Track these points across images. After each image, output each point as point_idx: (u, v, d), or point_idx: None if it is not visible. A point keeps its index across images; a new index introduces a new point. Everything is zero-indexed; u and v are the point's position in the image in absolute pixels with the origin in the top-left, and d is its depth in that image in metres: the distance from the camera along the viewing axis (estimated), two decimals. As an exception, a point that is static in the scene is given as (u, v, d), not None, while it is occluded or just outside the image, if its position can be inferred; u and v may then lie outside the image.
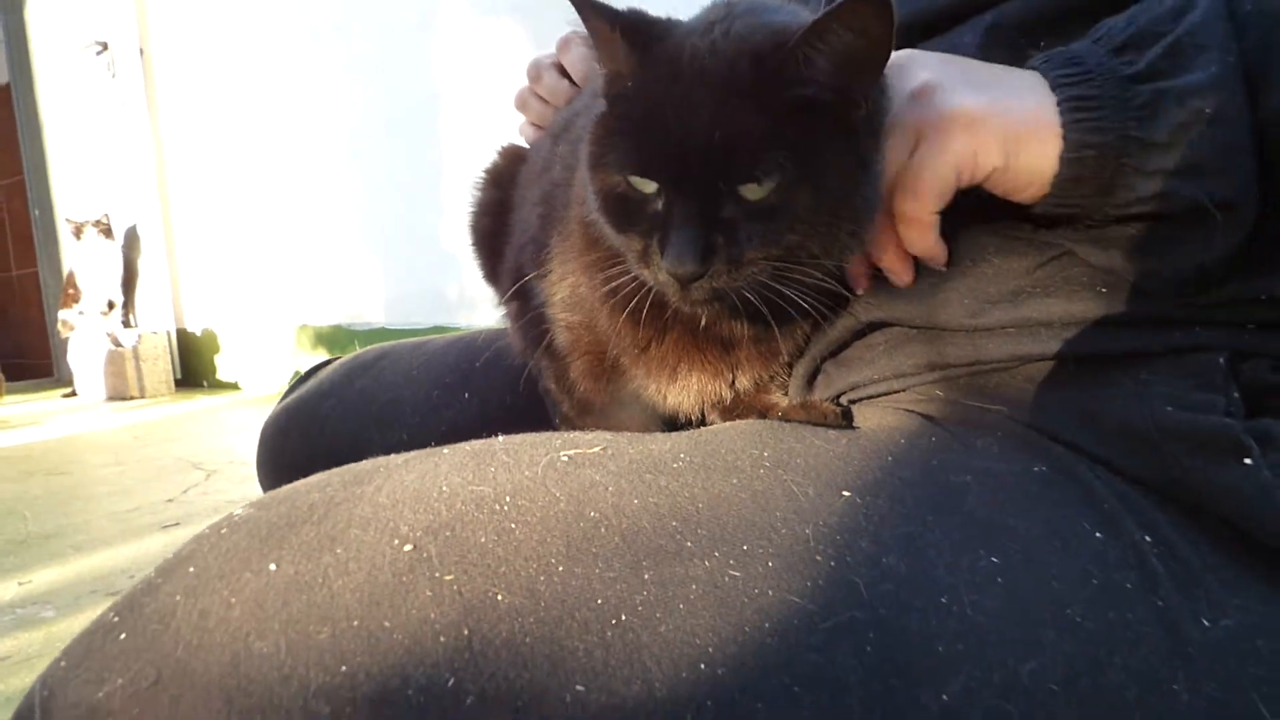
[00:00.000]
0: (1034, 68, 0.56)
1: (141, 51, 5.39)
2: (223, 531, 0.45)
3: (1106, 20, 0.55)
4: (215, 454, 3.22)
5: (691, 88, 0.53)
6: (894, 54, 0.55)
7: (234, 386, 5.27)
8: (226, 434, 3.73)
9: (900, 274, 0.62)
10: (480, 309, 3.82)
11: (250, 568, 0.42)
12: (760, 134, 0.52)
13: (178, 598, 0.41)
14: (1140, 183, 0.52)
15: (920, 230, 0.58)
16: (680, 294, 0.56)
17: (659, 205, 0.56)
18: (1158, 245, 0.54)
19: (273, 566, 0.42)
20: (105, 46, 5.44)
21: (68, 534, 2.23)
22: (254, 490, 2.53)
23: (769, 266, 0.55)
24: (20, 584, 1.87)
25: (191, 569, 0.43)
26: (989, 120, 0.54)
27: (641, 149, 0.55)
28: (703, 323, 0.64)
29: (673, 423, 0.77)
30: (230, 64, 4.95)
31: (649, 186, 0.56)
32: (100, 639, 0.40)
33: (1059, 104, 0.53)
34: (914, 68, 0.58)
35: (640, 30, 0.57)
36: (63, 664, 0.40)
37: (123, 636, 0.40)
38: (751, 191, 0.53)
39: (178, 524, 2.25)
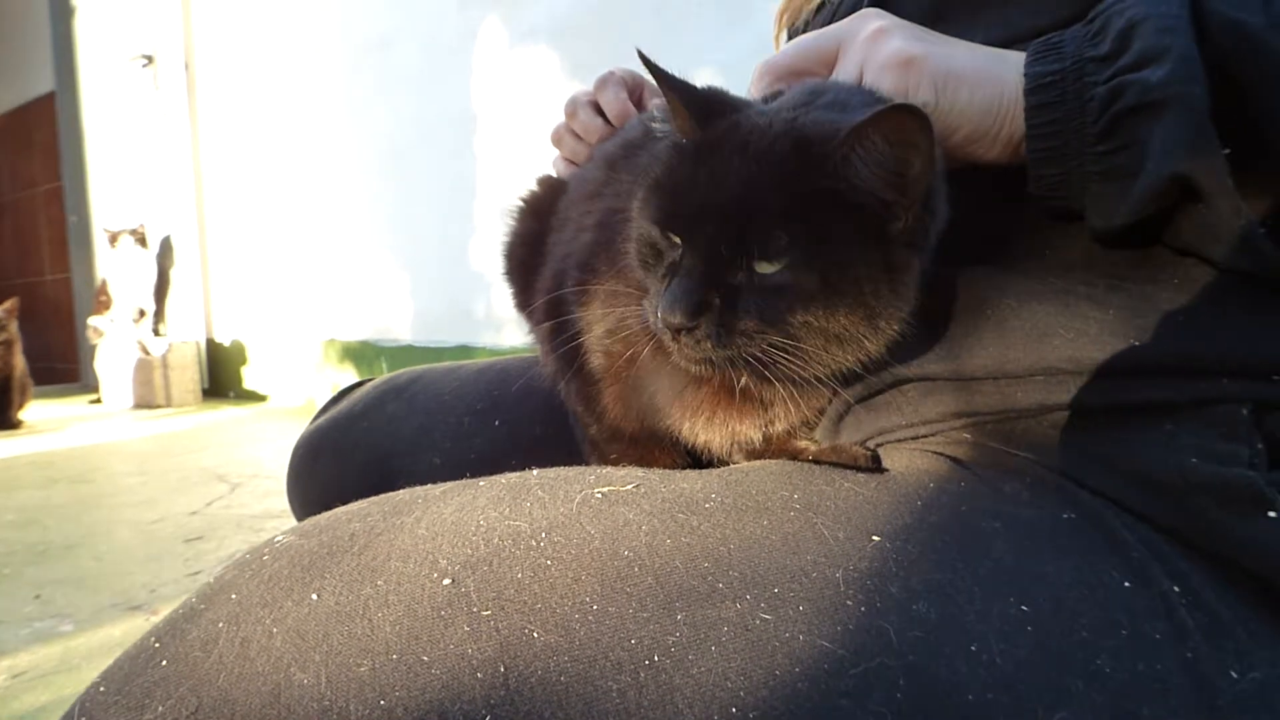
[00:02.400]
0: None
1: (186, 66, 5.50)
2: (264, 558, 0.46)
3: None
4: (240, 466, 3.25)
5: (731, 156, 0.55)
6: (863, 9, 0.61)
7: (260, 398, 5.32)
8: (252, 446, 3.76)
9: None
10: (506, 329, 3.85)
11: (292, 597, 0.43)
12: (778, 212, 0.53)
13: (220, 625, 0.42)
14: (1100, 90, 0.54)
15: None
16: (674, 346, 0.57)
17: (677, 256, 0.57)
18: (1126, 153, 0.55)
19: (314, 596, 0.43)
20: (151, 59, 5.56)
21: (89, 544, 2.24)
22: (277, 505, 2.57)
23: (764, 343, 0.55)
24: (38, 596, 1.87)
25: (234, 596, 0.43)
26: (922, 61, 0.58)
27: (673, 203, 0.57)
28: (740, 382, 0.64)
29: (696, 455, 0.77)
30: (271, 80, 5.04)
31: (674, 239, 0.57)
32: (141, 664, 0.41)
33: (1028, 53, 0.58)
34: (874, 18, 0.63)
35: (708, 104, 0.59)
36: (101, 689, 0.41)
37: (164, 663, 0.41)
38: (761, 266, 0.54)
39: (200, 537, 2.26)
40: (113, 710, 0.39)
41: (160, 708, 0.38)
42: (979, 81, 0.58)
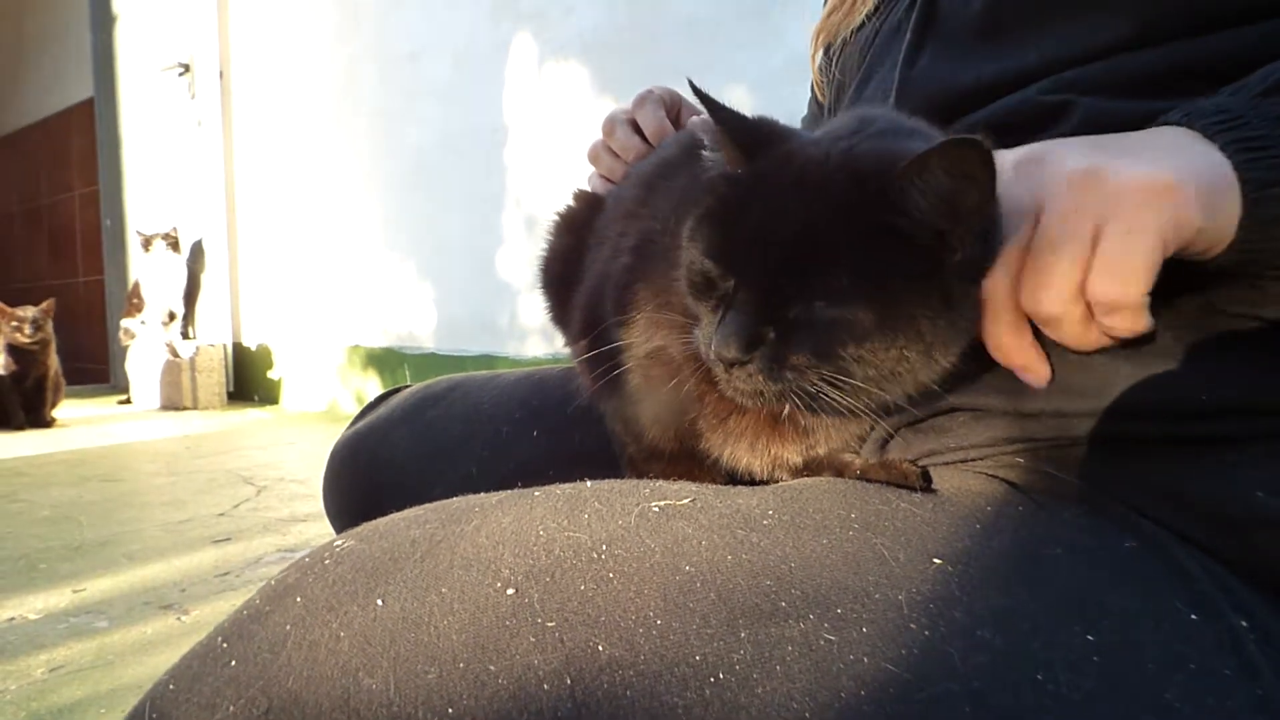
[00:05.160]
0: (1171, 123, 0.54)
1: (221, 74, 5.59)
2: (326, 562, 0.46)
3: (1229, 86, 0.55)
4: (265, 469, 3.27)
5: (786, 191, 0.54)
6: (1030, 147, 0.55)
7: (284, 402, 5.37)
8: (276, 450, 3.78)
9: (1036, 369, 0.57)
10: (530, 340, 3.86)
11: (357, 601, 0.43)
12: (835, 248, 0.52)
13: (287, 627, 0.42)
14: None
15: (1134, 314, 0.52)
16: (725, 377, 0.56)
17: (730, 288, 0.56)
18: None
19: (379, 602, 0.43)
20: (187, 68, 5.66)
21: (121, 542, 2.27)
22: (303, 509, 2.59)
23: (815, 376, 0.54)
24: (75, 591, 1.90)
25: (299, 599, 0.44)
26: (1183, 184, 0.49)
27: (725, 236, 0.57)
28: (785, 411, 0.63)
29: (734, 474, 0.76)
30: (304, 90, 5.10)
31: (726, 273, 0.57)
32: (210, 664, 0.41)
33: (1223, 148, 0.50)
34: (1062, 154, 0.54)
35: (758, 136, 0.58)
36: (171, 686, 0.41)
37: (233, 663, 0.41)
38: (818, 304, 0.53)
39: (229, 539, 2.28)
40: (184, 708, 0.39)
41: (231, 707, 0.39)
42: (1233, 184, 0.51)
